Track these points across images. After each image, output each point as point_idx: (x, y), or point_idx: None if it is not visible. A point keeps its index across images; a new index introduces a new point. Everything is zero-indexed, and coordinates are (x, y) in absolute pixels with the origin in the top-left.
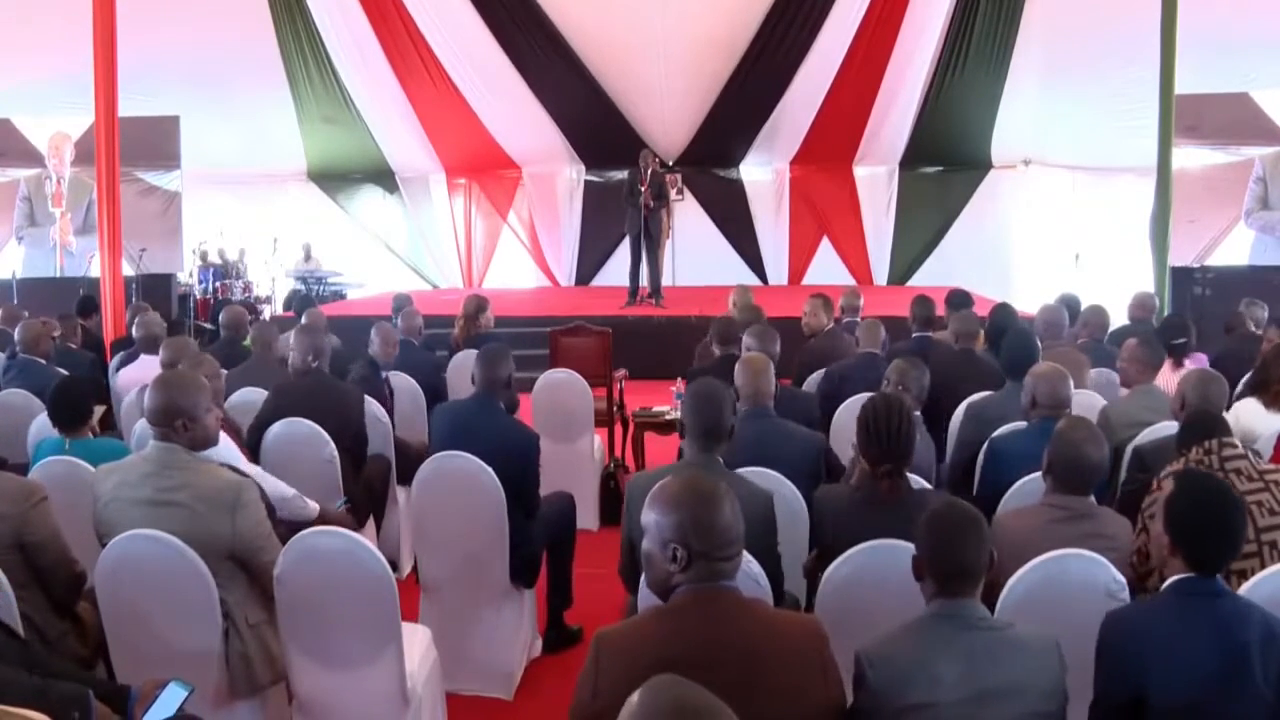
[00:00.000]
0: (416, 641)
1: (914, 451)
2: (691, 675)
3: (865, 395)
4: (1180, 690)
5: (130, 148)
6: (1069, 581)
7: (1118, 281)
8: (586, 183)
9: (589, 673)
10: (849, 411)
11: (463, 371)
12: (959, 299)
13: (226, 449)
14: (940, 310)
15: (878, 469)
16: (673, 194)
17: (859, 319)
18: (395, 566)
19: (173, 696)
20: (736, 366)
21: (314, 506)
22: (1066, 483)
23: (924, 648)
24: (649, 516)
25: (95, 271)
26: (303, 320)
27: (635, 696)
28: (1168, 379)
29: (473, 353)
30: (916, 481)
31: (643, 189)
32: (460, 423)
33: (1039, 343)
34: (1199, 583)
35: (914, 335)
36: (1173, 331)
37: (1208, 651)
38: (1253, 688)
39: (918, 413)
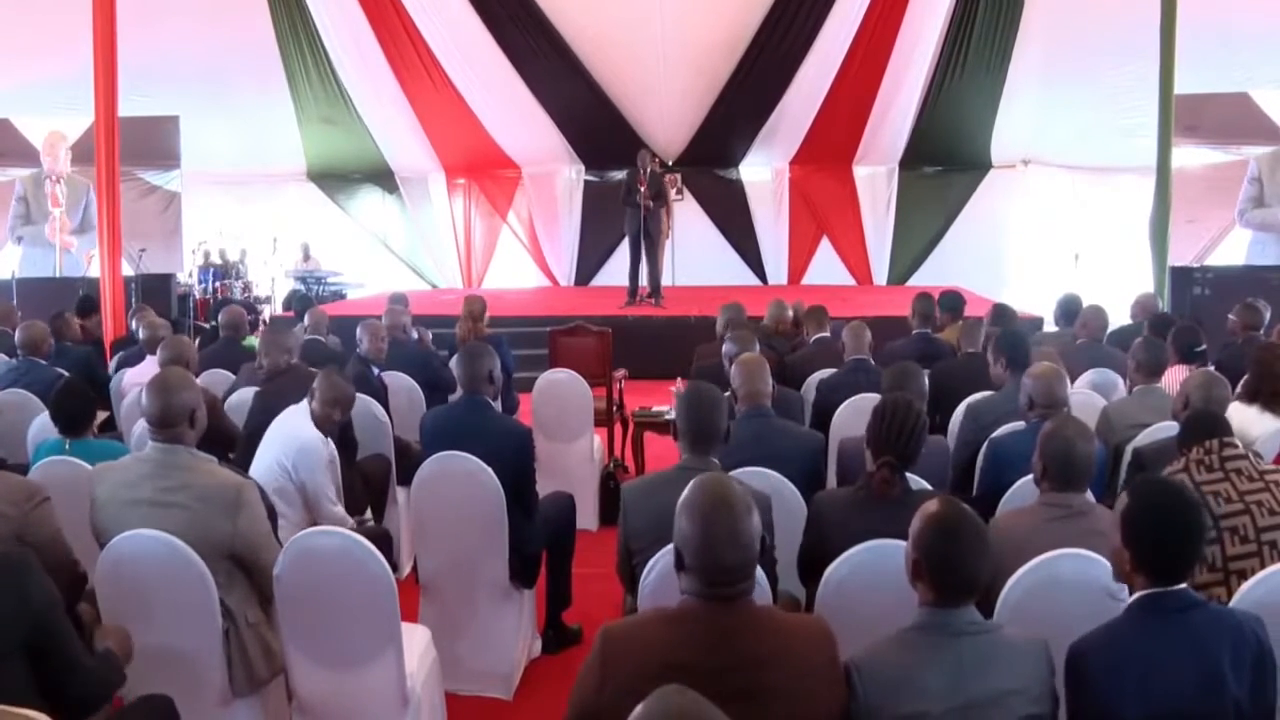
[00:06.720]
0: (416, 641)
1: (918, 456)
2: (700, 680)
3: (859, 398)
4: (1159, 710)
5: (130, 148)
6: (1068, 582)
7: (1117, 281)
8: (586, 183)
9: (594, 665)
10: (842, 419)
11: None
12: (952, 301)
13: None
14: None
15: (878, 459)
16: (672, 194)
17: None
18: (395, 566)
19: None
20: (733, 367)
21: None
22: (1061, 480)
23: (911, 657)
24: (678, 522)
25: (94, 271)
26: (304, 320)
27: (640, 707)
28: (1176, 380)
29: None
30: (916, 482)
31: (641, 189)
32: (450, 426)
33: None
34: (1168, 597)
35: (915, 333)
36: (1191, 340)
37: (1185, 668)
38: (1228, 696)
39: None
